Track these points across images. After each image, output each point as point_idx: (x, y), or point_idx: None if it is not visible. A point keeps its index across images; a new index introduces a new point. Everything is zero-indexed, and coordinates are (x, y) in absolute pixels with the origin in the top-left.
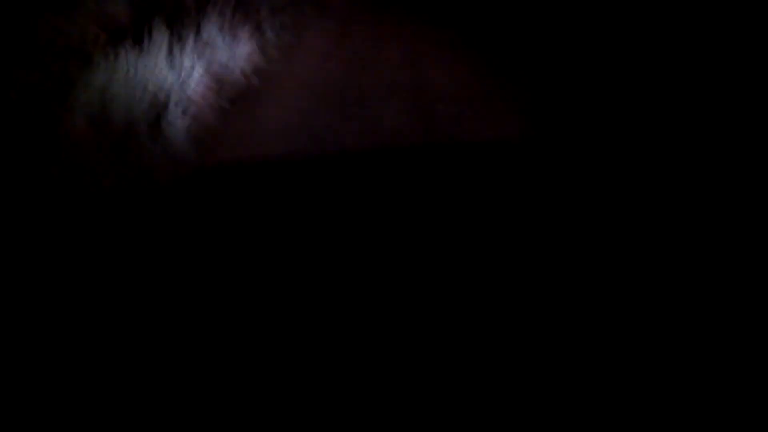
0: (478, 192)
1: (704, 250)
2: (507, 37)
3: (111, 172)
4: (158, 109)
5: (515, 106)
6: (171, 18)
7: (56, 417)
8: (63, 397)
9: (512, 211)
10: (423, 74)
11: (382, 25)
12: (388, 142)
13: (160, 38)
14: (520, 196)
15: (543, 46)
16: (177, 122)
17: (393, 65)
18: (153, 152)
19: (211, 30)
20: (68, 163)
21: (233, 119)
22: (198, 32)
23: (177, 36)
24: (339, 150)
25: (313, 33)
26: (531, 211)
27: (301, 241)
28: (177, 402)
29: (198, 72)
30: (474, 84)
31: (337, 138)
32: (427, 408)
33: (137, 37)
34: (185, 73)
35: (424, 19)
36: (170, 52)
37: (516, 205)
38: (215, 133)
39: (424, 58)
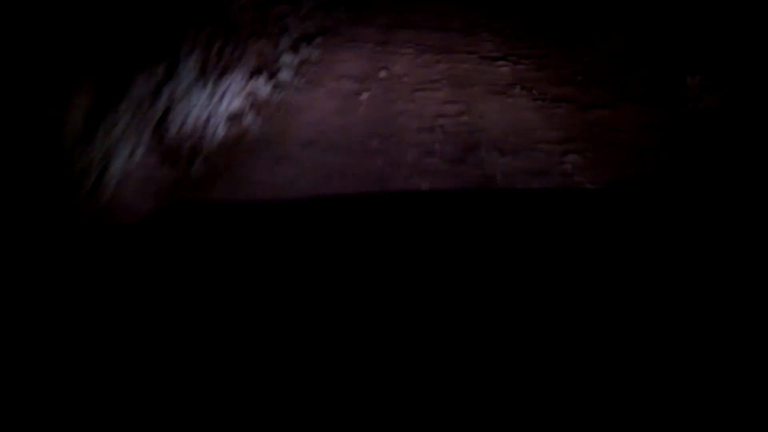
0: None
1: None
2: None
3: None
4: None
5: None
6: (101, 73)
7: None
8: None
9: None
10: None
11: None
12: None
13: (79, 108)
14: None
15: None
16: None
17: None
18: None
19: (181, 78)
20: None
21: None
22: (156, 86)
23: (109, 98)
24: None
25: (345, 57)
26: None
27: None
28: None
29: (132, 151)
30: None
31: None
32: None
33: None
34: (107, 156)
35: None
36: (88, 129)
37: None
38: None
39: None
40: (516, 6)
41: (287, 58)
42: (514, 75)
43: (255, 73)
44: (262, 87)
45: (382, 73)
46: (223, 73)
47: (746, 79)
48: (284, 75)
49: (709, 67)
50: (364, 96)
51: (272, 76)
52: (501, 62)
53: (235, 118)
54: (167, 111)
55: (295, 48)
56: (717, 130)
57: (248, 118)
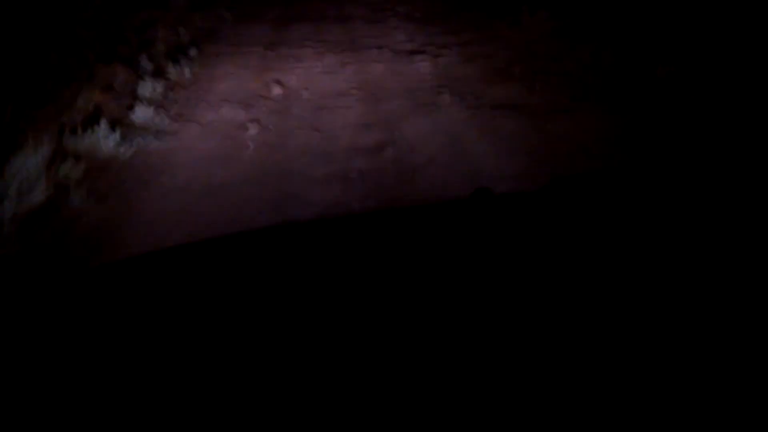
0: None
1: None
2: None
3: None
4: None
5: None
6: None
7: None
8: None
9: None
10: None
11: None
12: None
13: None
14: None
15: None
16: None
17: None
18: None
19: None
20: None
21: None
22: None
23: None
24: None
25: (227, 70)
26: None
27: None
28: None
29: None
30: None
31: None
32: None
33: None
34: None
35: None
36: None
37: None
38: None
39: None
40: None
41: (147, 87)
42: (437, 73)
43: (89, 122)
44: (101, 142)
45: (275, 90)
46: (20, 143)
47: (715, 59)
48: (141, 113)
49: (666, 50)
50: (252, 130)
51: (120, 120)
52: (419, 57)
53: (40, 212)
54: None
55: (159, 70)
56: (719, 144)
57: (72, 202)
